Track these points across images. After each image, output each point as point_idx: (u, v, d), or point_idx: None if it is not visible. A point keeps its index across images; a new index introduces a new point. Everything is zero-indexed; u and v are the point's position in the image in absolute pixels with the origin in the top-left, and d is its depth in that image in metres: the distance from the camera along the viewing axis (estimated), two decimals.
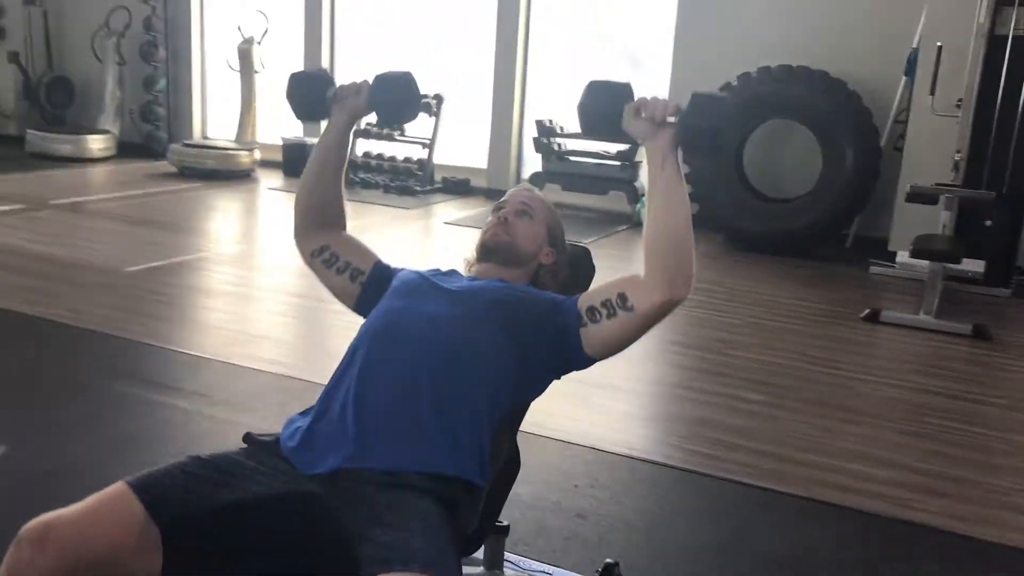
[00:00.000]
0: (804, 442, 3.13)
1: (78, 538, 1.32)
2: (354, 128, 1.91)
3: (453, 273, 1.83)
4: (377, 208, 7.08)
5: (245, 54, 8.59)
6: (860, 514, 2.65)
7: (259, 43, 8.60)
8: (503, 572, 2.02)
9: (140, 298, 4.37)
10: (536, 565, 2.15)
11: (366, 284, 1.80)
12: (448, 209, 7.32)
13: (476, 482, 1.50)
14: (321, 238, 1.86)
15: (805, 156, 6.38)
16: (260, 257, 5.73)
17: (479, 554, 2.01)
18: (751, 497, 2.74)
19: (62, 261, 4.96)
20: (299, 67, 8.11)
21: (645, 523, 2.53)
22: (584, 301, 1.63)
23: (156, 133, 9.03)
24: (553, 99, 7.81)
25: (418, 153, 7.99)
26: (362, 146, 8.21)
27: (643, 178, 7.27)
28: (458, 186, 7.96)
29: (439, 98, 7.89)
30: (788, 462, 2.97)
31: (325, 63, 8.58)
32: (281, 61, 8.74)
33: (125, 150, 8.89)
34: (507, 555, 2.14)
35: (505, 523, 2.02)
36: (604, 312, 1.58)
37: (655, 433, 3.17)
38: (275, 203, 7.39)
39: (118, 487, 1.38)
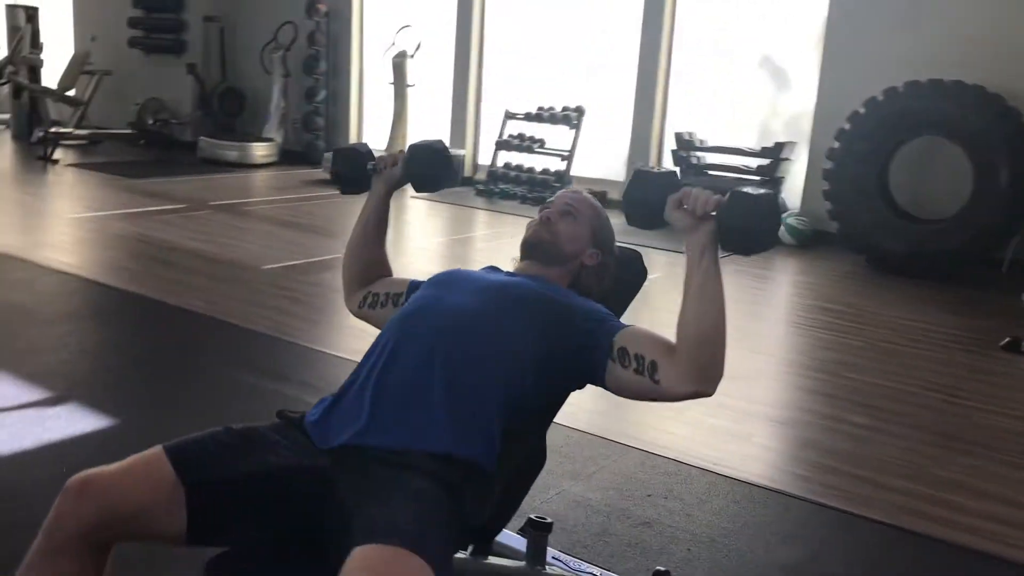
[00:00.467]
0: (903, 469, 2.97)
1: (113, 493, 1.44)
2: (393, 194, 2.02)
3: (495, 270, 1.87)
4: (513, 218, 7.20)
5: (399, 68, 8.93)
6: (948, 546, 2.50)
7: (411, 57, 8.93)
8: (545, 569, 2.03)
9: (270, 294, 4.64)
10: (585, 566, 2.14)
11: (407, 301, 1.84)
12: None
13: (484, 465, 1.53)
14: (367, 288, 1.98)
15: (955, 175, 6.02)
16: (392, 260, 5.94)
17: (522, 547, 2.05)
18: (832, 520, 2.64)
19: (208, 256, 5.32)
20: (448, 80, 8.43)
21: (712, 537, 2.48)
22: (622, 338, 1.60)
23: (315, 142, 9.52)
24: (694, 112, 7.73)
25: (556, 165, 8.07)
26: (502, 157, 8.37)
27: (784, 194, 7.07)
28: (595, 198, 7.96)
29: (579, 110, 7.96)
30: (881, 488, 2.83)
31: (473, 74, 8.82)
32: (432, 74, 9.05)
33: (287, 157, 9.43)
34: (557, 553, 2.16)
35: (548, 520, 2.04)
36: (633, 365, 1.57)
37: (744, 449, 3.09)
38: (416, 210, 7.64)
39: (155, 450, 1.50)
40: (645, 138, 7.83)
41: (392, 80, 9.00)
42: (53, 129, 9.16)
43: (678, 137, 7.40)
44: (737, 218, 1.51)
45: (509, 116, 8.36)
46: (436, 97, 9.10)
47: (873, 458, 3.06)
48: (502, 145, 8.37)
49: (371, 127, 9.76)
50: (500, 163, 8.37)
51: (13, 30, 10.12)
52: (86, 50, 10.30)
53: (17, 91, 9.96)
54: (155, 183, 7.79)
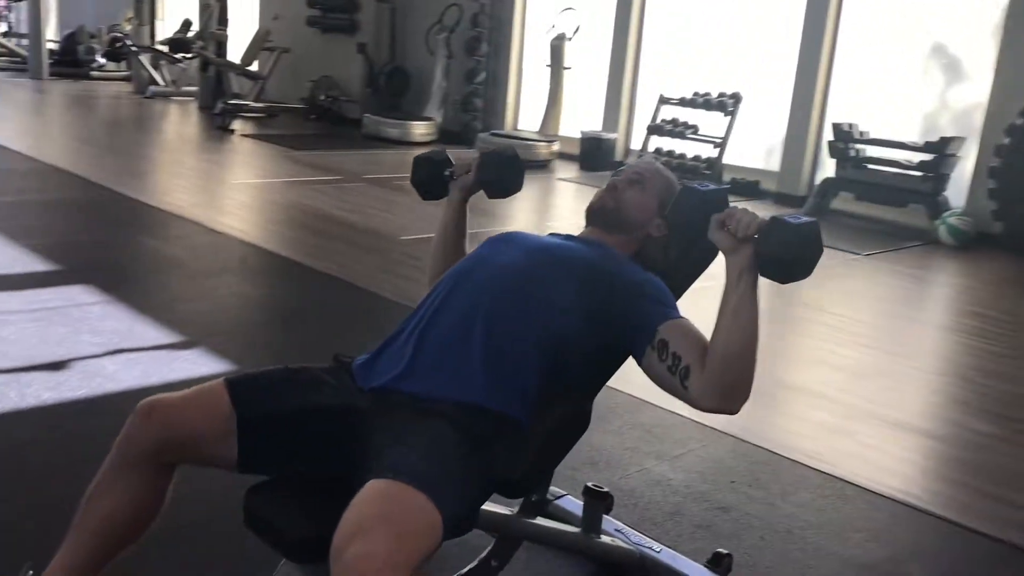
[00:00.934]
0: (1020, 482, 2.79)
1: (174, 418, 1.57)
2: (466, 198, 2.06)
3: (557, 235, 1.90)
4: None
5: (557, 50, 8.99)
6: None
7: (570, 40, 8.96)
8: (599, 537, 2.05)
9: (401, 262, 4.82)
10: (646, 541, 2.15)
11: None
12: None
13: (517, 418, 1.57)
14: None
15: None
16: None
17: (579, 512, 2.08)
18: (927, 525, 2.51)
19: (351, 225, 5.57)
20: (604, 64, 8.38)
21: (790, 528, 2.41)
22: (666, 330, 1.61)
23: (472, 123, 9.73)
24: (856, 102, 7.40)
25: (708, 152, 7.92)
26: (654, 142, 8.30)
27: (948, 192, 6.67)
28: (747, 188, 7.79)
29: (736, 97, 7.78)
30: (988, 497, 2.67)
31: (630, 58, 8.77)
32: (590, 57, 9.07)
33: (445, 137, 9.68)
34: (620, 525, 2.17)
35: (604, 489, 2.06)
36: (668, 362, 1.58)
37: (845, 446, 2.97)
38: (561, 191, 7.70)
39: (217, 382, 1.62)
40: (803, 128, 7.56)
41: (549, 62, 9.07)
42: (232, 101, 9.78)
43: (836, 128, 7.10)
44: (775, 245, 1.49)
45: (663, 101, 8.26)
46: (591, 80, 9.11)
47: (989, 468, 2.89)
48: (654, 130, 8.29)
49: (527, 109, 9.88)
50: (651, 148, 8.30)
51: (204, 7, 10.85)
52: (267, 28, 10.91)
53: (205, 65, 10.67)
54: (318, 156, 8.19)
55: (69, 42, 13.32)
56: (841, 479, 2.71)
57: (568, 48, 8.99)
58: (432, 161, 2.08)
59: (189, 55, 10.97)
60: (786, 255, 1.48)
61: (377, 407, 1.56)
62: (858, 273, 5.48)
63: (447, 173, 2.05)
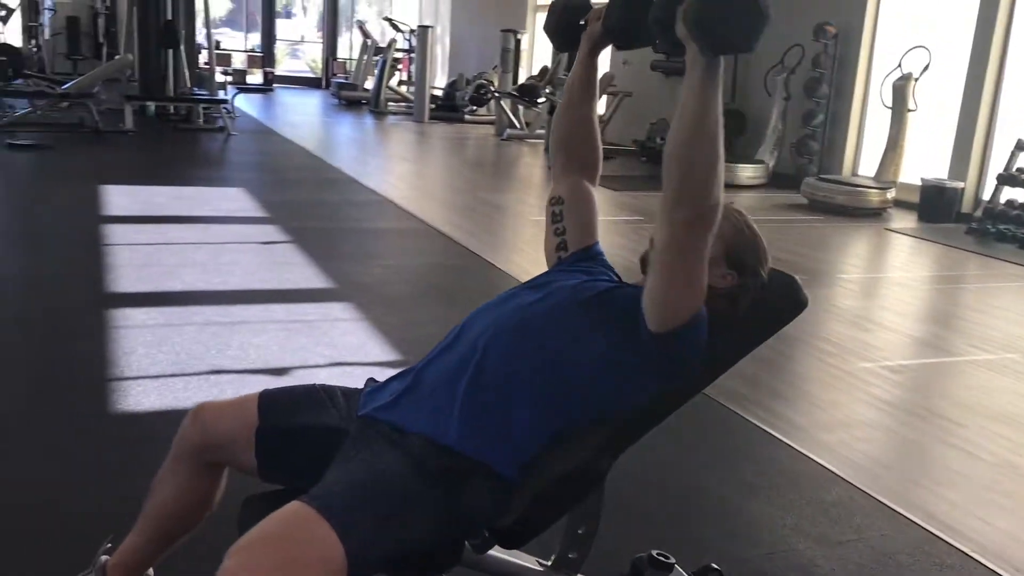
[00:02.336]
0: None
1: (215, 423, 1.70)
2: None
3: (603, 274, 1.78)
4: (1005, 267, 6.27)
5: (900, 91, 8.29)
6: None
7: (916, 80, 8.21)
8: None
9: None
10: None
11: (563, 260, 1.82)
12: None
13: (494, 466, 1.49)
14: (563, 185, 1.87)
15: None
16: (858, 292, 5.61)
17: None
18: None
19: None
20: (956, 105, 7.60)
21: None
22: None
23: (808, 166, 9.26)
24: None
25: None
26: (1006, 193, 7.31)
27: None
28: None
29: None
30: None
31: (986, 100, 7.85)
32: (937, 98, 8.25)
33: (776, 180, 9.33)
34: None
35: (670, 560, 1.88)
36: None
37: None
38: (891, 244, 7.05)
39: (255, 393, 1.74)
40: None
41: (891, 104, 8.38)
42: None
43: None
44: (697, 4, 1.30)
45: (1021, 147, 7.26)
46: (938, 123, 8.26)
47: None
48: (1007, 180, 7.31)
49: (866, 154, 9.20)
50: (1002, 199, 7.32)
51: (556, 54, 11.47)
52: (612, 73, 11.27)
53: (552, 109, 11.27)
54: (631, 196, 8.26)
55: (450, 89, 14.77)
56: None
57: (913, 88, 8.25)
58: (568, 7, 1.82)
59: (540, 100, 11.65)
60: (702, 11, 1.30)
61: (359, 433, 1.58)
62: None
63: (582, 22, 1.79)
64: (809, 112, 9.30)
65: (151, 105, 11.62)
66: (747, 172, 9.27)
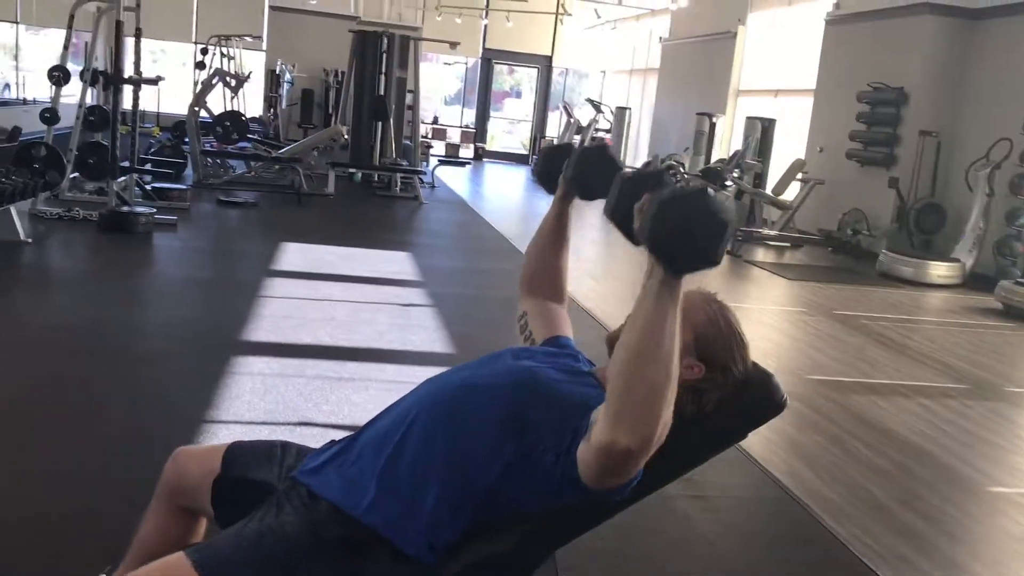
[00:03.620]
0: None
1: (187, 468, 1.77)
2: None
3: (560, 356, 1.70)
4: None
5: None
6: None
7: None
8: None
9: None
10: None
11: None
12: None
13: (400, 547, 1.45)
14: (526, 303, 1.90)
15: None
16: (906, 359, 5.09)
17: None
18: None
19: (755, 351, 5.30)
20: None
21: None
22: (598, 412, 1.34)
23: (1009, 268, 8.52)
24: None
25: None
26: None
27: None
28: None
29: None
30: None
31: None
32: None
33: (974, 282, 8.64)
34: None
35: None
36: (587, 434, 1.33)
37: None
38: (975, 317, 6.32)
39: (226, 443, 1.79)
40: None
41: None
42: (745, 228, 9.95)
43: None
44: (646, 220, 1.17)
45: None
46: None
47: None
48: None
49: None
50: None
51: (746, 139, 11.25)
52: (803, 160, 10.90)
53: (739, 193, 11.03)
54: (808, 287, 7.90)
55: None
56: None
57: None
58: (551, 152, 1.86)
59: (727, 183, 11.44)
60: (655, 230, 1.16)
61: (283, 493, 1.58)
62: None
63: (563, 167, 1.80)
64: (1014, 210, 8.58)
65: (358, 173, 12.42)
66: (939, 270, 8.63)
